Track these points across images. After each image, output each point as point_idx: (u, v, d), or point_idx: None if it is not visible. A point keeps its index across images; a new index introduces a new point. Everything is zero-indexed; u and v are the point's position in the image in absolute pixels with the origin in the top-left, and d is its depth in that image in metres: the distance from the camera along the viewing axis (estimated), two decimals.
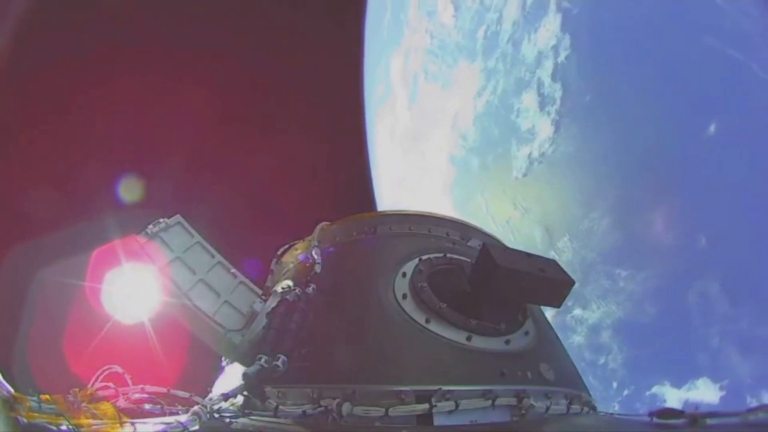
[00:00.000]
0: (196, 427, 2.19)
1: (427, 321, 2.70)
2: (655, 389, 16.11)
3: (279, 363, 2.65)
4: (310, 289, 3.19)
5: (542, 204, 21.62)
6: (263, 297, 3.51)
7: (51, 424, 2.81)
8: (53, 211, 7.85)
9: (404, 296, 2.86)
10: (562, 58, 21.39)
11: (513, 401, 2.39)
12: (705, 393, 15.10)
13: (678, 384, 15.60)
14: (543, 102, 21.98)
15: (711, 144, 16.34)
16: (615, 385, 17.48)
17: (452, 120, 26.29)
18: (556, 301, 2.82)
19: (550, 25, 21.69)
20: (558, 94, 21.49)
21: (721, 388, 15.09)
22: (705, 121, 16.38)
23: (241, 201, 12.55)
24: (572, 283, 2.76)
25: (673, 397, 15.31)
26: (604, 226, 19.02)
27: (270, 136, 14.29)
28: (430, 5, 27.22)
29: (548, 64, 21.80)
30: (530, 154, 22.31)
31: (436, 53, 27.14)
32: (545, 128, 21.77)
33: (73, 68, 9.98)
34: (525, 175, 22.54)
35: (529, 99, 22.60)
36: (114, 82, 10.97)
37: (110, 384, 3.47)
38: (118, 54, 11.06)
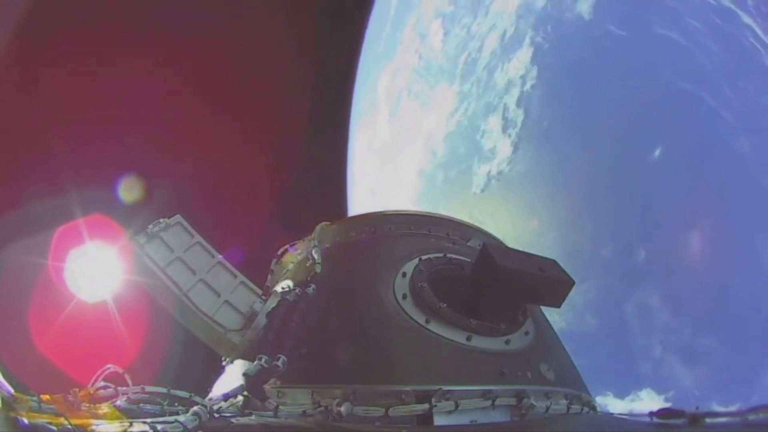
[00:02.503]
0: (196, 426, 2.18)
1: (427, 321, 2.69)
2: (597, 399, 15.95)
3: (279, 363, 2.65)
4: (310, 289, 3.18)
5: (496, 218, 23.39)
6: (263, 297, 3.52)
7: (51, 424, 2.80)
8: (17, 191, 7.71)
9: (404, 296, 2.86)
10: (527, 86, 23.87)
11: (513, 401, 2.39)
12: (649, 404, 14.96)
13: (621, 395, 15.52)
14: (506, 125, 24.41)
15: (654, 166, 18.06)
16: None
17: (426, 136, 28.82)
18: (556, 301, 2.81)
19: (522, 57, 24.29)
20: (520, 119, 23.86)
21: (666, 399, 15.06)
22: (651, 146, 18.14)
23: (211, 194, 12.40)
24: (572, 283, 2.76)
25: (616, 408, 14.99)
26: (550, 239, 20.43)
27: (256, 132, 14.22)
28: (424, 28, 30.11)
29: (515, 92, 24.35)
30: (489, 171, 24.63)
31: (421, 73, 29.99)
32: (505, 149, 24.15)
33: (36, 43, 9.49)
34: (483, 191, 24.75)
35: (495, 121, 25.05)
36: (103, 65, 10.83)
37: (110, 384, 3.46)
38: (100, 34, 10.85)
